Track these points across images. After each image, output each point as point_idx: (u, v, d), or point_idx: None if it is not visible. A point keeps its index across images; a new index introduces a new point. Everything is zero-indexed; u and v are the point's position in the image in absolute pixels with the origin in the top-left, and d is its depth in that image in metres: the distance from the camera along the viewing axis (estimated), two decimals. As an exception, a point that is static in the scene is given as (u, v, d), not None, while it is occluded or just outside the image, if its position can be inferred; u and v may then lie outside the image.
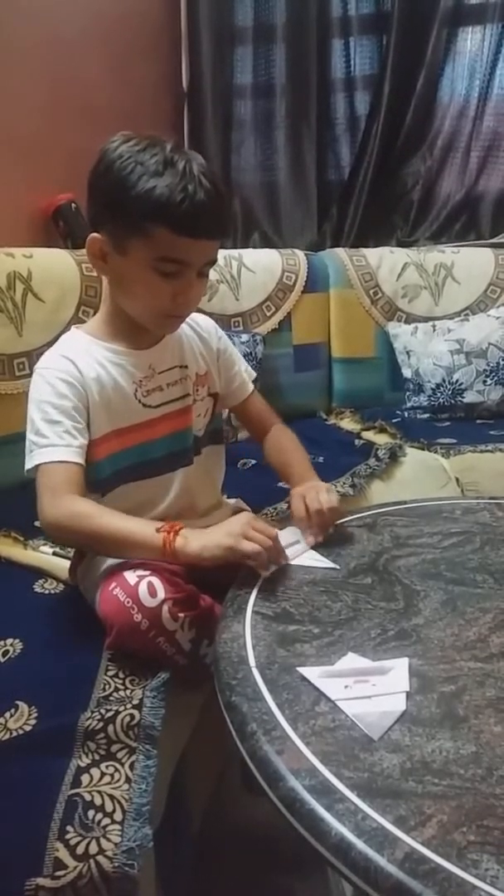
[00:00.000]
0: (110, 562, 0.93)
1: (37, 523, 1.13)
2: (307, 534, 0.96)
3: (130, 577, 0.86)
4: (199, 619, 0.87)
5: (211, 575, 0.89)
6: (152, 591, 0.84)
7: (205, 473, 1.10)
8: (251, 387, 1.18)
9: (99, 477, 0.99)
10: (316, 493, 0.99)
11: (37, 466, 0.91)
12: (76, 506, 0.89)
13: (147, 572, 0.86)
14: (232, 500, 1.20)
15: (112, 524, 0.89)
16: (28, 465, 0.93)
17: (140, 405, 1.01)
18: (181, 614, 0.85)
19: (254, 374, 1.20)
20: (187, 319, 1.08)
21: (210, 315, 1.16)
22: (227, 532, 0.86)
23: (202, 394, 1.09)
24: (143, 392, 1.01)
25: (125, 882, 0.64)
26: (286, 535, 0.96)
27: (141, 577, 0.85)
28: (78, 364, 0.96)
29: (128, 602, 0.84)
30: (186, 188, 0.85)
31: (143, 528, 0.89)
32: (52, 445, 0.91)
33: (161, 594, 0.84)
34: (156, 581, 0.85)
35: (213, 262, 0.95)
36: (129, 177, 0.86)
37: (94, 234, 0.94)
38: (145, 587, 0.84)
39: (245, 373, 1.18)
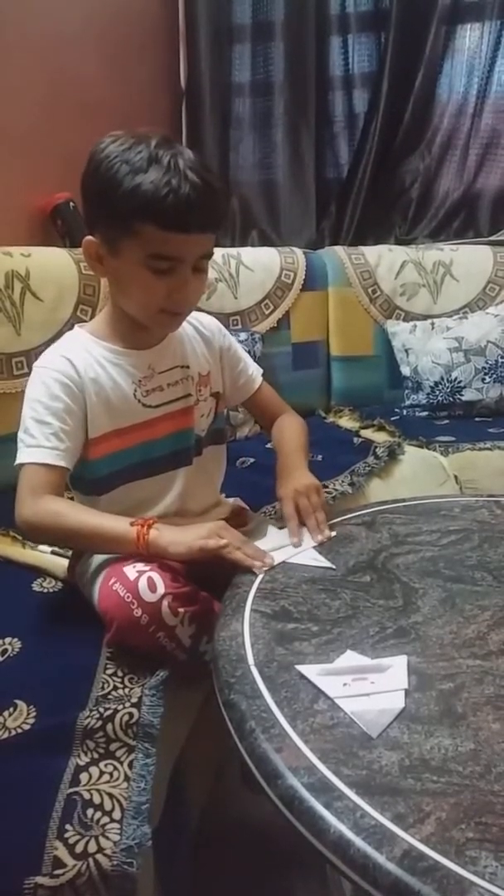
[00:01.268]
0: (109, 558, 0.93)
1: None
2: (304, 537, 0.96)
3: (130, 571, 0.86)
4: (199, 615, 0.87)
5: (209, 573, 0.90)
6: (152, 586, 0.84)
7: (205, 473, 1.10)
8: (259, 381, 1.18)
9: (97, 476, 0.99)
10: (307, 499, 0.99)
11: (22, 465, 0.92)
12: (52, 505, 0.91)
13: (147, 567, 0.86)
14: (230, 500, 1.20)
15: (87, 520, 0.91)
16: (17, 461, 0.93)
17: (140, 405, 1.01)
18: (181, 609, 0.85)
19: (261, 370, 1.20)
20: (191, 320, 1.09)
21: (208, 314, 1.16)
22: (196, 534, 0.88)
23: (205, 394, 1.09)
24: (142, 392, 1.01)
25: (124, 880, 0.64)
26: (283, 535, 0.96)
27: (141, 573, 0.85)
28: (76, 364, 0.96)
29: (127, 597, 0.84)
30: (171, 182, 0.84)
31: (117, 523, 0.91)
32: (39, 446, 0.92)
33: (161, 589, 0.84)
34: (155, 576, 0.85)
35: (209, 256, 0.95)
36: (115, 176, 0.86)
37: (89, 237, 0.94)
38: (145, 582, 0.84)
39: (252, 367, 1.18)
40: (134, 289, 0.94)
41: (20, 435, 0.94)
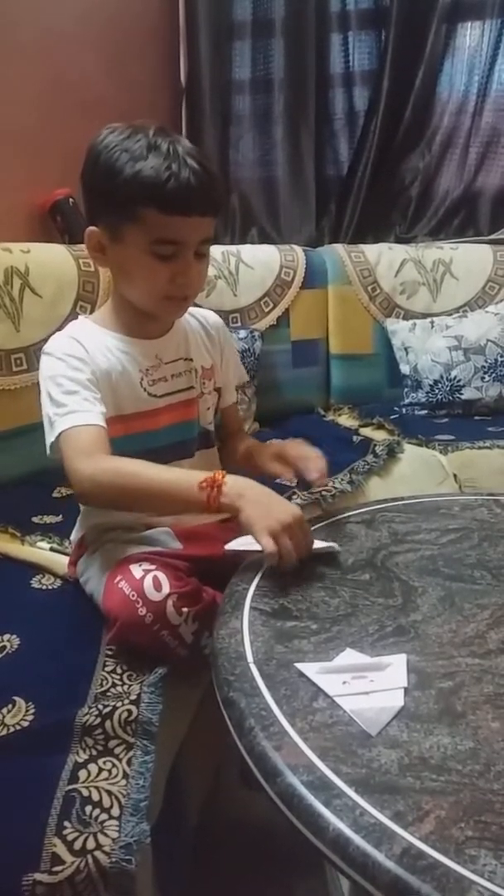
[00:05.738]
0: (114, 555, 0.94)
1: (35, 518, 1.14)
2: (311, 471, 0.97)
3: (136, 570, 0.86)
4: (202, 612, 0.87)
5: (216, 569, 0.89)
6: (157, 585, 0.84)
7: (209, 468, 1.10)
8: (235, 396, 1.21)
9: None
10: (294, 444, 1.02)
11: (59, 434, 0.90)
12: (114, 462, 0.89)
13: (153, 566, 0.87)
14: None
15: (155, 476, 0.88)
16: (50, 437, 0.92)
17: (145, 393, 1.01)
18: (185, 609, 0.85)
19: (246, 378, 1.21)
20: (196, 316, 1.11)
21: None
22: (264, 515, 0.81)
23: (209, 387, 1.10)
24: (148, 381, 1.02)
25: (122, 877, 0.64)
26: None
27: (147, 571, 0.86)
28: (86, 346, 0.97)
29: (133, 596, 0.84)
30: (171, 167, 0.86)
31: (184, 482, 0.87)
32: (73, 412, 0.91)
33: (166, 588, 0.84)
34: (161, 575, 0.85)
35: (209, 240, 0.96)
36: (115, 164, 0.88)
37: (91, 228, 0.95)
38: (150, 581, 0.84)
39: (236, 381, 1.19)
40: (138, 275, 0.95)
41: (49, 411, 0.92)
